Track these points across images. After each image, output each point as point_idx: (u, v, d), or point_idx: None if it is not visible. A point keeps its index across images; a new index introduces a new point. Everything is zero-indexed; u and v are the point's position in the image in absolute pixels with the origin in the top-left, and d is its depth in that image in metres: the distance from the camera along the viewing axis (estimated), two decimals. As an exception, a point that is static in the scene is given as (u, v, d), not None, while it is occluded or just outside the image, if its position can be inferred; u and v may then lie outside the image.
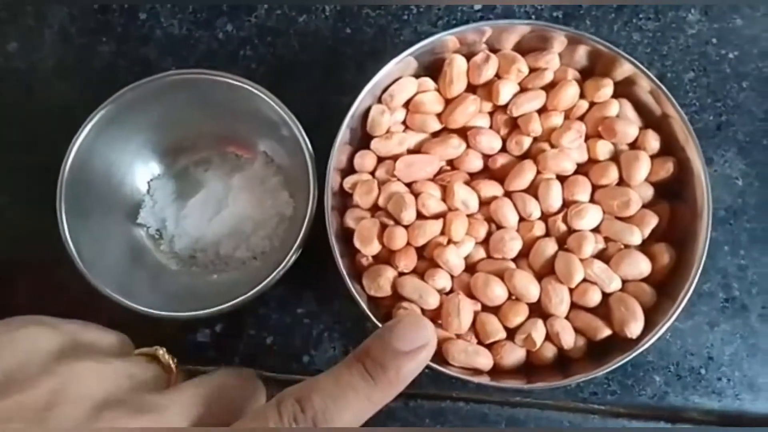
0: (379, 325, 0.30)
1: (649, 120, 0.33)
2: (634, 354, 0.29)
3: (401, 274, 0.31)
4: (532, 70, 0.33)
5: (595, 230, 0.32)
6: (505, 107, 0.33)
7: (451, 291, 0.31)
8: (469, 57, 0.34)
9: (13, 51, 0.42)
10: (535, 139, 0.33)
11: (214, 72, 0.35)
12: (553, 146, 0.33)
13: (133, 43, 0.41)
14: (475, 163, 0.33)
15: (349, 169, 0.34)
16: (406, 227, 0.31)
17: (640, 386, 0.37)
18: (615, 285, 0.30)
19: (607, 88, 0.32)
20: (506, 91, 0.33)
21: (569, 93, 0.32)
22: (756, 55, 0.41)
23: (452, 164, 0.34)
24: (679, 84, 0.41)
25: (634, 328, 0.29)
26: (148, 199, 0.38)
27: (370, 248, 0.31)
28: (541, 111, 0.33)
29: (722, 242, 0.38)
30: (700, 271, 0.30)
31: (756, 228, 0.39)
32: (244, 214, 0.37)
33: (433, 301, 0.30)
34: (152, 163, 0.38)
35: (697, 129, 0.39)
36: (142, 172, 0.38)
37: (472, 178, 0.33)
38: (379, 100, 0.33)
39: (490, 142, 0.33)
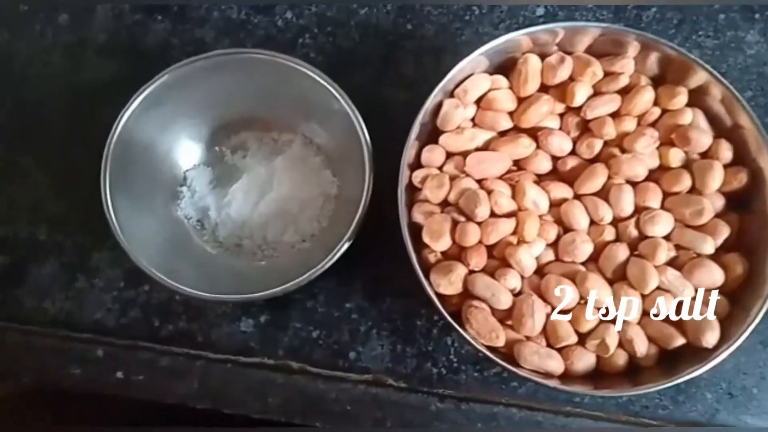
0: (451, 320, 0.29)
1: (721, 129, 0.33)
2: (710, 364, 0.29)
3: (471, 272, 0.30)
4: (606, 74, 0.33)
5: (666, 238, 0.31)
6: (577, 110, 0.33)
7: (521, 292, 0.30)
8: (541, 58, 0.33)
9: (63, 23, 0.41)
10: (606, 143, 0.33)
11: (266, 52, 0.34)
12: (624, 151, 0.32)
13: (189, 23, 0.41)
14: (544, 165, 0.33)
15: (415, 164, 0.33)
16: (479, 224, 0.30)
17: (691, 403, 0.36)
18: (688, 293, 0.30)
19: (681, 96, 0.32)
20: (581, 93, 0.32)
21: (644, 99, 0.32)
22: (811, 78, 0.41)
23: (519, 164, 0.33)
24: (735, 102, 0.41)
25: (711, 338, 0.29)
26: (186, 191, 0.37)
27: (440, 244, 0.30)
28: (614, 115, 0.33)
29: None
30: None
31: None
32: (289, 195, 0.36)
33: (505, 301, 0.29)
34: (192, 148, 0.37)
35: None
36: (183, 156, 0.37)
37: (540, 179, 0.33)
38: (451, 95, 0.33)
39: (561, 143, 0.33)
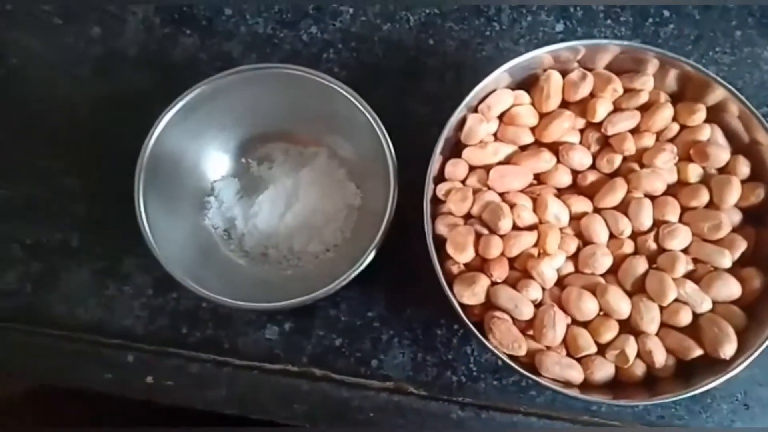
0: (474, 330, 0.30)
1: (738, 145, 0.34)
2: (727, 376, 0.29)
3: (494, 283, 0.31)
4: (626, 90, 0.34)
5: (684, 251, 0.32)
6: (598, 125, 0.34)
7: (541, 304, 0.31)
8: (562, 74, 0.34)
9: (95, 36, 0.42)
10: (625, 158, 0.33)
11: (294, 67, 0.35)
12: (643, 166, 0.33)
13: (217, 38, 0.42)
14: (564, 179, 0.33)
15: (439, 177, 0.34)
16: (502, 237, 0.31)
17: (707, 413, 0.37)
18: (706, 306, 0.31)
19: (700, 113, 0.33)
20: (602, 109, 0.33)
21: (664, 115, 0.33)
22: (826, 95, 0.42)
23: (539, 178, 0.34)
24: (751, 118, 0.41)
25: (728, 350, 0.29)
26: (213, 201, 0.38)
27: (463, 256, 0.31)
28: (634, 131, 0.33)
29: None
30: (792, 298, 0.30)
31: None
32: (315, 207, 0.37)
33: (527, 312, 0.30)
34: (220, 159, 0.38)
35: None
36: (211, 167, 0.38)
37: (560, 193, 0.33)
38: (475, 110, 0.34)
39: (582, 158, 0.33)
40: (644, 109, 0.34)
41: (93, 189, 0.39)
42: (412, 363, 0.37)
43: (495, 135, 0.34)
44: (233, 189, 0.38)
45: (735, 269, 0.32)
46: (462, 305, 0.31)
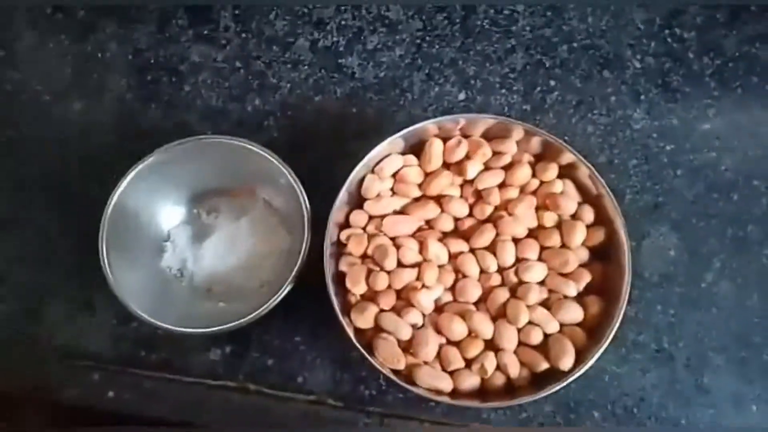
0: (363, 351, 0.37)
1: (587, 197, 0.41)
2: (566, 383, 0.36)
3: (382, 311, 0.38)
4: (495, 153, 0.42)
5: (542, 283, 0.39)
6: (472, 182, 0.41)
7: (423, 326, 0.38)
8: (446, 140, 0.42)
9: (78, 109, 0.51)
10: (496, 208, 0.41)
11: (232, 138, 0.43)
12: (509, 214, 0.41)
13: (177, 109, 0.51)
14: (447, 225, 0.41)
15: (345, 224, 0.42)
16: (389, 273, 0.39)
17: (582, 420, 0.43)
18: (553, 327, 0.38)
19: (552, 171, 0.41)
20: (473, 169, 0.41)
21: (523, 173, 0.41)
22: (688, 149, 0.50)
23: (429, 224, 0.42)
24: (625, 169, 0.49)
25: (566, 362, 0.36)
26: (169, 245, 0.46)
27: (358, 288, 0.39)
28: (501, 186, 0.41)
29: (656, 302, 0.46)
30: (620, 320, 0.37)
31: (684, 292, 0.46)
32: (252, 250, 0.45)
33: (406, 334, 0.37)
34: (174, 211, 0.46)
35: (638, 207, 0.48)
36: (167, 217, 0.46)
37: (444, 236, 0.41)
38: (372, 171, 0.42)
39: (460, 208, 0.41)
40: (509, 168, 0.42)
41: (71, 237, 0.47)
42: (332, 380, 0.44)
43: (392, 189, 0.42)
44: (186, 235, 0.46)
45: (580, 297, 0.39)
46: (356, 329, 0.38)
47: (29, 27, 0.53)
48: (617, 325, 0.37)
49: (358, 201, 0.42)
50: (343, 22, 0.54)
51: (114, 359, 0.45)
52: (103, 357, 0.45)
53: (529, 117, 0.50)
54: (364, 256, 0.40)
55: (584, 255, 0.40)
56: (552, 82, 0.51)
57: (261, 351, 0.45)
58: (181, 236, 0.46)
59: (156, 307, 0.42)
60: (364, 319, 0.38)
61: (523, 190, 0.41)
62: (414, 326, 0.38)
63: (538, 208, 0.41)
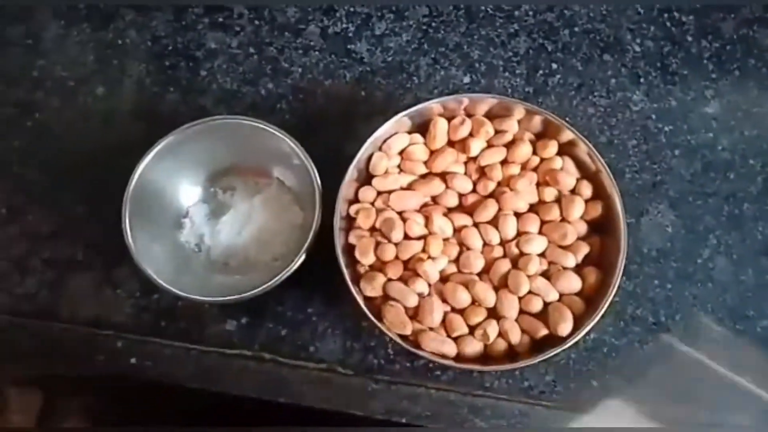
0: (373, 319, 0.39)
1: (586, 173, 0.43)
2: (564, 347, 0.38)
3: (390, 280, 0.41)
4: (497, 131, 0.44)
5: (542, 255, 0.41)
6: (475, 159, 0.43)
7: (428, 295, 0.41)
8: (450, 119, 0.44)
9: (99, 94, 0.53)
10: (498, 184, 0.43)
11: (247, 118, 0.46)
12: (511, 190, 0.43)
13: (194, 93, 0.53)
14: (452, 200, 0.43)
15: (354, 200, 0.44)
16: (396, 245, 0.41)
17: (581, 388, 0.45)
18: (553, 296, 0.40)
19: (552, 148, 0.43)
20: (476, 146, 0.43)
21: (524, 150, 0.43)
22: (686, 130, 0.51)
23: (434, 200, 0.44)
24: (624, 149, 0.51)
25: (564, 329, 0.38)
26: (187, 221, 0.48)
27: (366, 259, 0.41)
28: (503, 163, 0.43)
29: (653, 276, 0.48)
30: (615, 289, 0.39)
31: (681, 267, 0.48)
32: (265, 226, 0.47)
33: (412, 301, 0.40)
34: (191, 189, 0.49)
35: (636, 185, 0.50)
36: (185, 195, 0.49)
37: (449, 211, 0.43)
38: (380, 149, 0.44)
39: (464, 184, 0.43)
40: (511, 145, 0.43)
41: (96, 214, 0.50)
42: (342, 349, 0.46)
43: (399, 167, 0.44)
44: (203, 212, 0.49)
45: (579, 268, 0.41)
46: (365, 298, 0.40)
47: (54, 17, 0.55)
48: (613, 293, 0.39)
49: (366, 178, 0.44)
50: (352, 9, 0.56)
51: (136, 329, 0.47)
52: (125, 327, 0.47)
53: (532, 99, 0.52)
54: (372, 229, 0.42)
55: (582, 228, 0.42)
56: (554, 65, 0.53)
57: (275, 322, 0.47)
58: (198, 213, 0.48)
59: (176, 278, 0.44)
60: (373, 288, 0.40)
61: (524, 166, 0.43)
62: (420, 295, 0.40)
63: (538, 184, 0.43)
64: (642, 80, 0.53)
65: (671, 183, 0.50)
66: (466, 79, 0.53)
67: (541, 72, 0.53)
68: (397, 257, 0.41)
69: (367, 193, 0.43)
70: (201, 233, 0.48)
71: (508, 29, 0.54)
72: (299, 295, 0.47)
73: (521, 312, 0.40)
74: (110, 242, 0.46)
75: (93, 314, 0.48)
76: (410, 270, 0.41)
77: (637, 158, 0.51)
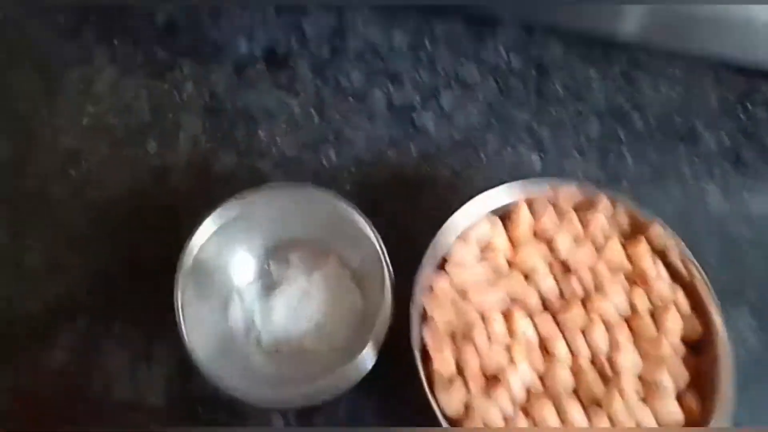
0: None
1: (681, 281, 0.40)
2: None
3: (469, 391, 0.36)
4: (584, 225, 0.41)
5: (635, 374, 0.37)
6: (561, 256, 0.40)
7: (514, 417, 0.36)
8: (531, 208, 0.41)
9: (152, 150, 0.50)
10: (585, 286, 0.40)
11: (310, 185, 0.43)
12: (600, 294, 0.39)
13: (251, 156, 0.50)
14: (534, 300, 0.40)
15: (428, 290, 0.40)
16: (476, 348, 0.37)
17: None
18: (649, 421, 0.36)
19: (643, 248, 0.40)
20: (563, 242, 0.40)
21: (615, 249, 0.40)
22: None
23: (513, 297, 0.40)
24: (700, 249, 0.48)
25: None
26: (237, 299, 0.44)
27: (445, 366, 0.37)
28: (591, 263, 0.40)
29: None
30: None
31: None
32: (323, 309, 0.43)
33: (497, 421, 0.35)
34: (246, 262, 0.45)
35: (717, 291, 0.46)
36: (238, 268, 0.44)
37: (531, 313, 0.40)
38: (458, 236, 0.41)
39: (548, 284, 0.40)
40: (599, 242, 0.40)
41: (138, 282, 0.46)
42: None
43: (478, 258, 0.41)
44: (255, 289, 0.45)
45: (678, 395, 0.37)
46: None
47: (110, 62, 0.53)
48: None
49: (440, 266, 0.41)
50: (418, 78, 0.54)
51: (171, 414, 0.42)
52: (160, 410, 0.42)
53: (604, 185, 0.49)
54: (447, 324, 0.38)
55: (679, 346, 0.38)
56: (625, 151, 0.51)
57: (327, 423, 0.42)
58: (249, 291, 0.45)
59: (220, 365, 0.39)
60: (453, 409, 0.36)
61: (613, 267, 0.40)
62: (503, 411, 0.36)
63: (630, 291, 0.39)
64: (717, 172, 0.50)
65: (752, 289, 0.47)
66: (534, 157, 0.51)
67: (611, 155, 0.51)
68: (477, 364, 0.37)
69: (441, 283, 0.40)
70: (251, 314, 0.44)
71: (578, 109, 0.52)
72: (358, 397, 0.42)
73: (612, 434, 0.36)
74: (150, 314, 0.42)
75: (125, 394, 0.43)
76: (491, 378, 0.37)
77: (715, 259, 0.48)
